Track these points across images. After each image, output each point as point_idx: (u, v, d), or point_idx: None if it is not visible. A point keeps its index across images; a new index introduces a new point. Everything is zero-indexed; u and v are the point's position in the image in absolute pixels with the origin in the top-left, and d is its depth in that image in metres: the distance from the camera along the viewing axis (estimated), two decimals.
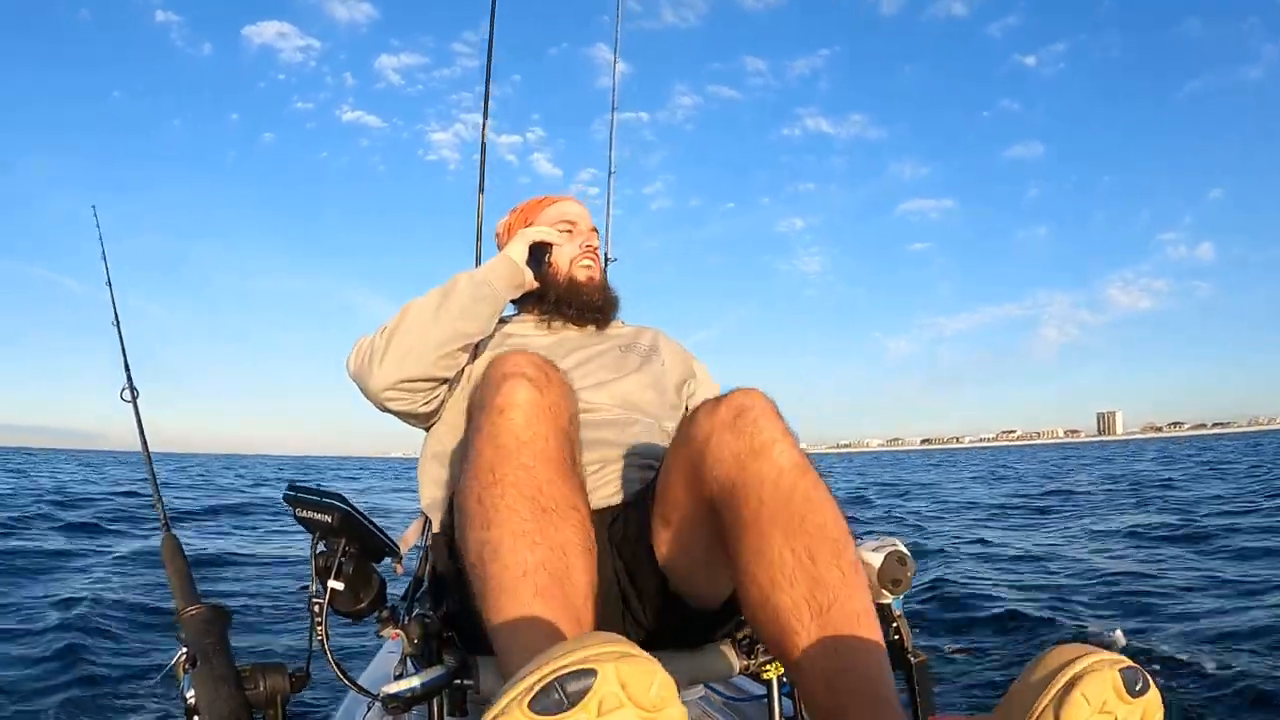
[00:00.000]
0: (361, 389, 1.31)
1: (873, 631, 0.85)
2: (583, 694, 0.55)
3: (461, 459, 0.98)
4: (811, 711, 0.86)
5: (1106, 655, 0.58)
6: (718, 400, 0.96)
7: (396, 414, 1.34)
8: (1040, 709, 0.57)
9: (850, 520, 0.92)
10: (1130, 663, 0.57)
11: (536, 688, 0.56)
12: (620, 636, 0.60)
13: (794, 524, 0.87)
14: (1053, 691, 0.57)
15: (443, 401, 1.37)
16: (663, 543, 1.07)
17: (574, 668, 0.56)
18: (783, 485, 0.89)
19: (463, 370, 1.38)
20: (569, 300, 1.46)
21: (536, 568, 0.85)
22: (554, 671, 0.56)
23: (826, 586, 0.85)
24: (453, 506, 1.25)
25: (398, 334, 1.27)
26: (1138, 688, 0.56)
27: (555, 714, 0.55)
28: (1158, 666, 3.01)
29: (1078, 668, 0.57)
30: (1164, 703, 0.59)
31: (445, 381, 1.33)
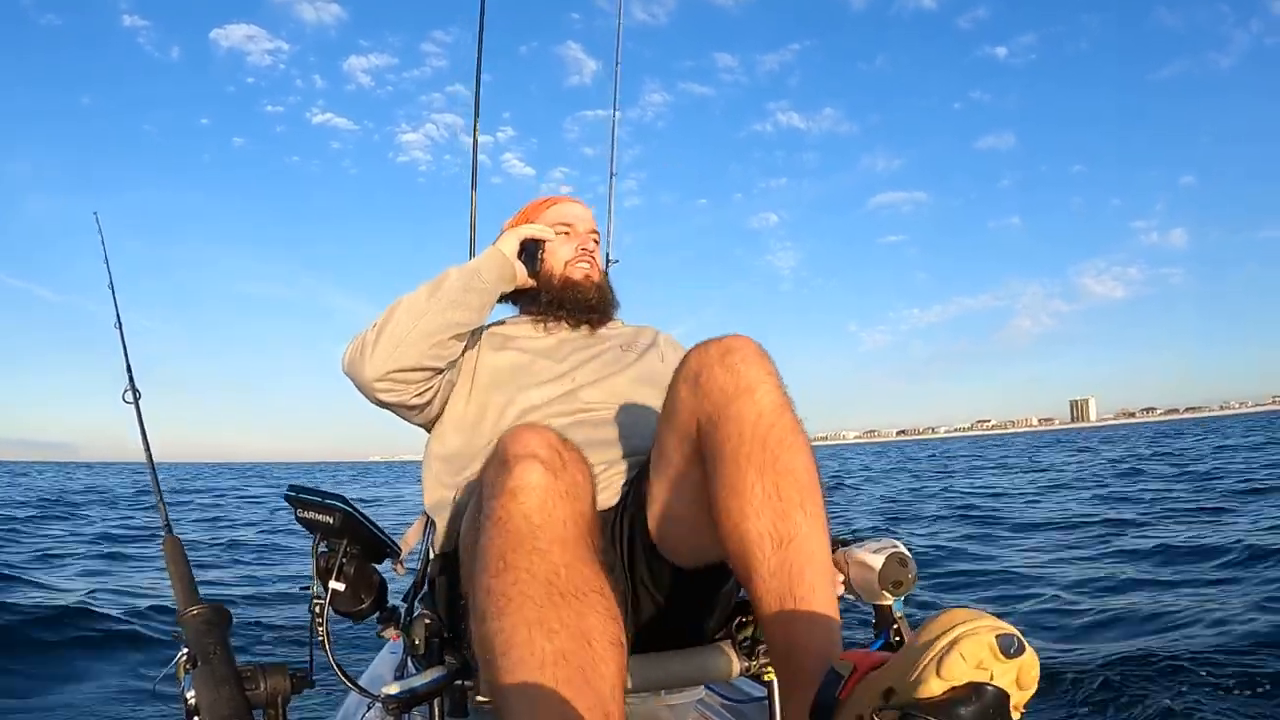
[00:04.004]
0: (354, 381, 1.32)
1: (825, 572, 0.91)
2: None
3: (471, 550, 0.91)
4: (764, 633, 0.93)
5: (988, 621, 0.63)
6: (710, 340, 1.02)
7: (390, 406, 1.35)
8: (924, 664, 0.63)
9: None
10: (1008, 629, 0.63)
11: None
12: None
13: (767, 462, 0.92)
14: (936, 649, 0.63)
15: (436, 393, 1.37)
16: (656, 492, 1.09)
17: None
18: (761, 425, 0.94)
19: (458, 364, 1.39)
20: (561, 301, 1.47)
21: (556, 658, 0.76)
22: None
23: (789, 522, 0.90)
24: (455, 510, 1.26)
25: (389, 325, 1.28)
26: (1012, 650, 0.62)
27: None
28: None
29: (959, 630, 0.63)
30: (1040, 662, 0.65)
31: (438, 372, 1.34)
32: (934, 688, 0.62)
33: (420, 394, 1.34)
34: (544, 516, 0.84)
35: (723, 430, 0.95)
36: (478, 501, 0.94)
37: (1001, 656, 0.62)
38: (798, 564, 0.89)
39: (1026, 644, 0.63)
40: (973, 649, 0.62)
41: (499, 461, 0.89)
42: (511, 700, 0.77)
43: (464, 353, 1.39)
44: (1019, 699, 0.64)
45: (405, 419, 1.41)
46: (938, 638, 0.63)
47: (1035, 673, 0.64)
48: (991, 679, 0.62)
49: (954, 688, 0.62)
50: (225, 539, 8.12)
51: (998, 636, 0.62)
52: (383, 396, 1.31)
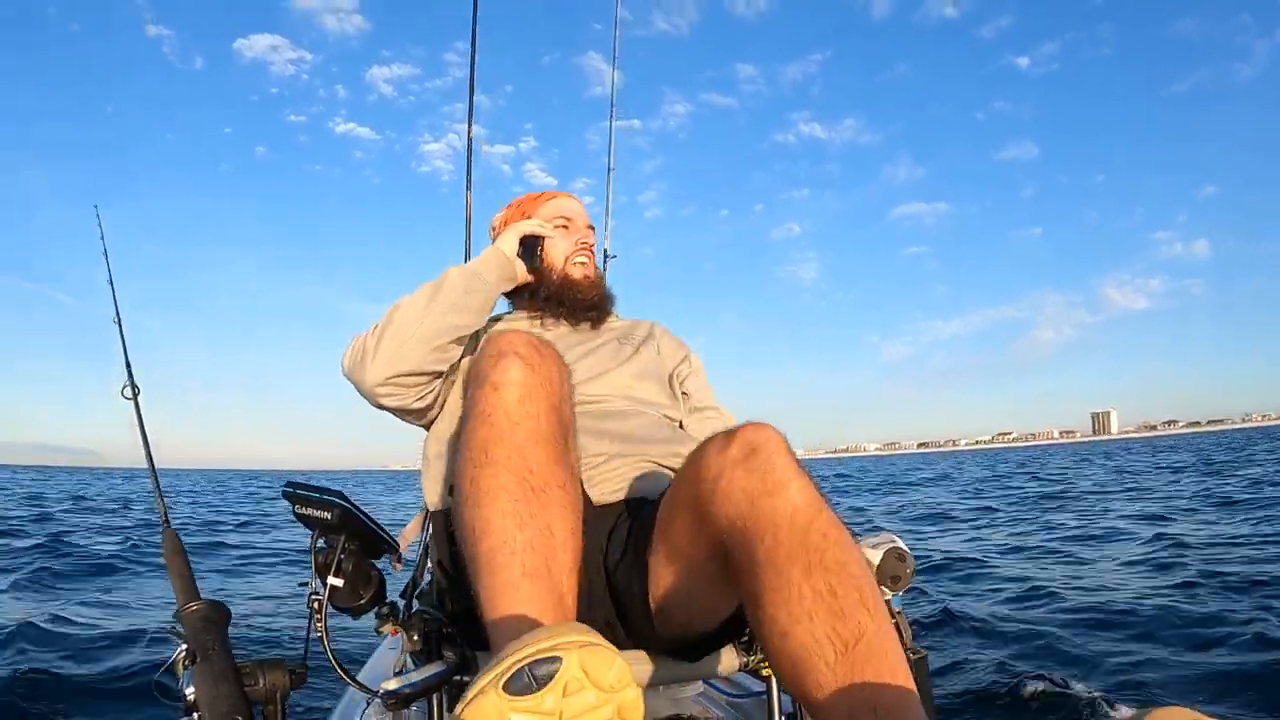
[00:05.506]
0: (355, 386, 1.31)
1: (905, 674, 0.77)
2: (550, 677, 0.65)
3: (457, 435, 1.01)
4: None
5: None
6: (728, 436, 0.91)
7: (391, 410, 1.34)
8: None
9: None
10: None
11: (509, 672, 0.65)
12: (585, 626, 0.70)
13: (812, 560, 0.81)
14: None
15: (437, 396, 1.36)
16: (660, 578, 1.03)
17: (543, 655, 0.65)
18: (799, 522, 0.83)
19: (458, 365, 1.38)
20: (561, 297, 1.46)
21: (524, 547, 0.88)
22: (525, 658, 0.65)
23: (851, 622, 0.78)
24: (453, 494, 1.25)
25: (389, 329, 1.27)
26: None
27: (526, 695, 0.65)
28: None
29: None
30: None
31: (439, 376, 1.33)
32: None
33: (421, 397, 1.33)
34: (522, 411, 0.94)
35: (755, 533, 0.84)
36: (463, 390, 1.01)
37: None
38: (870, 665, 0.76)
39: None
40: None
41: (482, 357, 1.00)
42: (484, 579, 0.88)
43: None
44: None
45: (405, 420, 1.40)
46: None
47: None
48: None
49: None
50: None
51: None
52: (385, 401, 1.30)
